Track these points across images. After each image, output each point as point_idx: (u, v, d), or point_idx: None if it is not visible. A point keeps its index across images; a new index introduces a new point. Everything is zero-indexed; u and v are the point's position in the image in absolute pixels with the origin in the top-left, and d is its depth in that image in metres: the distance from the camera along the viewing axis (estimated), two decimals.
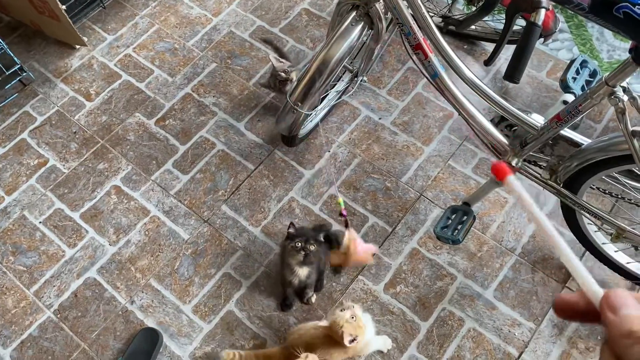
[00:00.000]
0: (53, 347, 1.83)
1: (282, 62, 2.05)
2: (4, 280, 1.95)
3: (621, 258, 1.75)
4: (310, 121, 2.10)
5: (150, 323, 1.85)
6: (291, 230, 1.70)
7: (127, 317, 1.87)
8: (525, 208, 0.77)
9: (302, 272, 1.71)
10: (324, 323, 1.66)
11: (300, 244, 1.66)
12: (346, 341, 1.52)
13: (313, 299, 1.86)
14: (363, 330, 1.56)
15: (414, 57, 1.59)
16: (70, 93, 2.34)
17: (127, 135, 2.23)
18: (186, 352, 1.81)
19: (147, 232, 2.02)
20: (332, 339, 1.58)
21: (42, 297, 1.91)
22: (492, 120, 1.69)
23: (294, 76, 2.03)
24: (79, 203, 2.09)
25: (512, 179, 0.78)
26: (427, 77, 1.61)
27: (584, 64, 1.79)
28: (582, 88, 1.78)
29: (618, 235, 1.56)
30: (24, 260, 1.98)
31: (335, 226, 2.00)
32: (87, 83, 2.36)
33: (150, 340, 1.80)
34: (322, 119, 2.17)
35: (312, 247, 1.66)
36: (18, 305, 1.90)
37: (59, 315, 1.88)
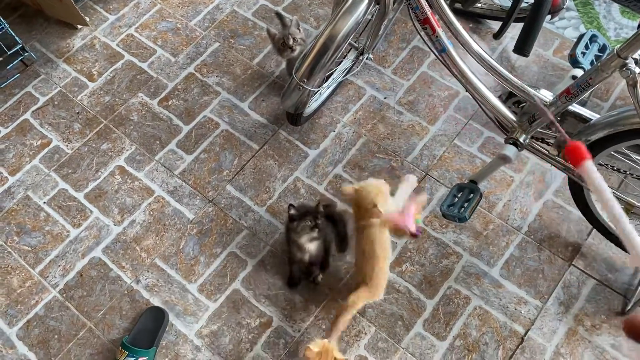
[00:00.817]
0: (59, 326, 1.83)
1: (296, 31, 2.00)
2: (8, 260, 1.94)
3: None
4: (315, 100, 2.08)
5: (156, 302, 1.85)
6: (292, 212, 1.69)
7: (133, 296, 1.87)
8: (601, 197, 0.74)
9: (312, 247, 1.71)
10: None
11: (310, 222, 1.65)
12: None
13: (319, 278, 1.85)
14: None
15: (422, 33, 1.57)
16: (73, 73, 2.32)
17: (130, 116, 2.22)
18: (192, 330, 1.81)
19: (151, 212, 2.01)
20: None
21: (48, 276, 1.91)
22: (499, 97, 1.67)
23: (297, 50, 1.99)
24: (83, 183, 2.08)
25: (590, 164, 0.72)
26: (434, 53, 1.59)
27: (593, 38, 1.76)
28: (591, 63, 1.75)
29: (627, 211, 1.55)
30: (29, 240, 1.98)
31: (338, 205, 1.99)
32: (89, 63, 2.34)
33: (156, 319, 1.80)
34: (326, 99, 2.15)
35: (320, 222, 1.66)
36: (23, 285, 1.90)
37: (64, 295, 1.88)
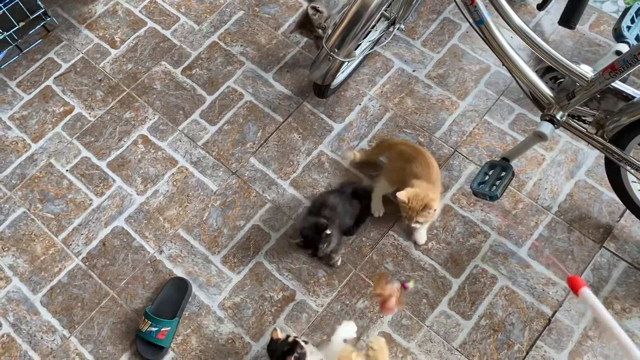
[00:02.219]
0: (82, 294, 1.83)
1: (318, 12, 1.94)
2: (32, 227, 1.94)
3: None
4: (342, 72, 2.03)
5: (179, 273, 1.85)
6: (297, 241, 1.69)
7: (156, 266, 1.86)
8: (601, 320, 0.74)
9: (332, 243, 1.70)
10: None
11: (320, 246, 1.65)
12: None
13: (338, 262, 1.82)
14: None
15: (459, 2, 1.51)
16: (95, 40, 2.28)
17: (153, 84, 2.18)
18: (215, 302, 1.80)
19: (175, 183, 1.99)
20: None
21: (71, 244, 1.91)
22: (536, 72, 1.61)
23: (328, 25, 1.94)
24: (106, 152, 2.06)
25: (587, 290, 0.76)
26: (471, 24, 1.53)
27: (639, 12, 1.69)
28: (637, 38, 1.68)
29: None
30: (52, 207, 1.97)
31: (363, 180, 1.95)
32: (111, 30, 2.30)
33: (179, 289, 1.80)
34: (353, 71, 2.10)
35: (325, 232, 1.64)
36: (47, 252, 1.90)
37: (87, 263, 1.88)
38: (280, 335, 1.53)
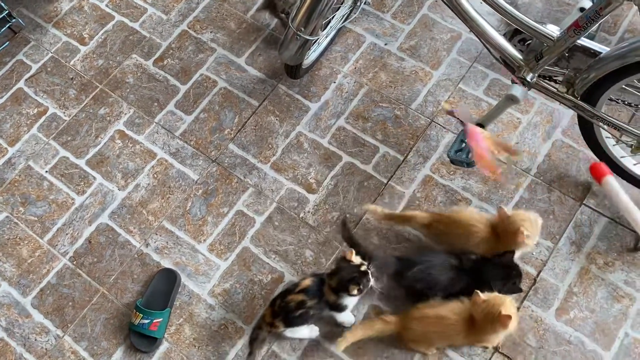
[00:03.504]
0: (72, 293, 1.84)
1: None
2: (16, 231, 1.94)
3: None
4: (314, 51, 2.02)
5: (166, 264, 1.85)
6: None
7: (143, 259, 1.87)
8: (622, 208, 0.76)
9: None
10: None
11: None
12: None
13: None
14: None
15: None
16: (63, 38, 2.26)
17: (125, 78, 2.16)
18: (205, 290, 1.81)
19: (155, 175, 1.99)
20: None
21: (57, 245, 1.91)
22: (504, 35, 1.61)
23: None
24: (84, 150, 2.05)
25: (612, 180, 0.79)
26: None
27: None
28: None
29: (638, 144, 1.52)
30: (34, 210, 1.96)
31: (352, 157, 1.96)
32: (79, 26, 2.27)
33: (168, 280, 1.81)
34: (325, 49, 2.09)
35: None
36: (33, 255, 1.90)
37: (75, 262, 1.88)
38: (354, 259, 1.53)
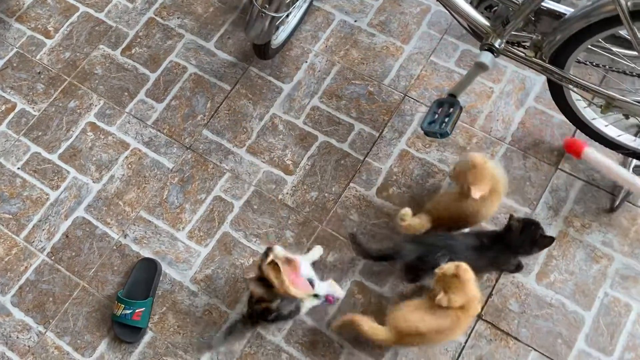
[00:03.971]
0: (52, 289, 1.82)
1: None
2: None
3: (612, 132, 1.72)
4: (283, 30, 2.00)
5: (146, 254, 1.84)
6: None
7: (122, 250, 1.85)
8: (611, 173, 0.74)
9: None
10: None
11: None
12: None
13: None
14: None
15: None
16: (28, 32, 2.21)
17: (94, 70, 2.13)
18: (187, 277, 1.80)
19: (130, 165, 1.97)
20: None
21: (33, 241, 1.88)
22: (470, 3, 1.60)
23: None
24: (56, 144, 2.01)
25: (590, 150, 0.77)
26: None
27: None
28: None
29: (608, 105, 1.52)
30: (8, 208, 1.93)
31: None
32: (43, 20, 2.23)
33: (148, 270, 1.79)
34: (294, 29, 2.07)
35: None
36: (10, 253, 1.87)
37: (53, 258, 1.86)
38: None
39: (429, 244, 1.59)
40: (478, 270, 1.51)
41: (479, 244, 1.59)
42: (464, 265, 1.45)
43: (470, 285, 1.44)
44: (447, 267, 1.45)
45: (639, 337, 1.64)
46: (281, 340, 1.70)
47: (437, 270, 1.46)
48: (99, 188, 1.94)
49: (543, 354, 1.64)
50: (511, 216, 1.56)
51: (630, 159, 1.79)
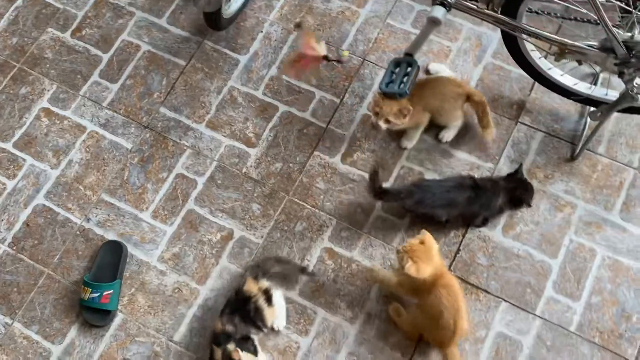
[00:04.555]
0: (16, 279, 1.77)
1: None
2: None
3: (567, 81, 1.73)
4: (235, 1, 1.96)
5: (111, 236, 1.80)
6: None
7: (86, 235, 1.81)
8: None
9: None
10: None
11: None
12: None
13: None
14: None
15: None
16: None
17: (43, 54, 2.06)
18: (154, 257, 1.78)
19: (87, 149, 1.92)
20: None
21: None
22: None
23: None
24: (9, 132, 1.95)
25: None
26: None
27: None
28: None
29: (562, 53, 1.53)
30: None
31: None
32: None
33: (114, 252, 1.76)
34: None
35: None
36: None
37: (14, 247, 1.81)
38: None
39: (423, 186, 1.68)
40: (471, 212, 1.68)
41: (473, 184, 1.66)
42: (428, 234, 1.47)
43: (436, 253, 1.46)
44: (412, 240, 1.46)
45: (604, 280, 1.67)
46: None
47: (401, 246, 1.46)
48: (58, 174, 1.89)
49: (513, 304, 1.66)
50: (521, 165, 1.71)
51: (587, 106, 1.81)
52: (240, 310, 1.57)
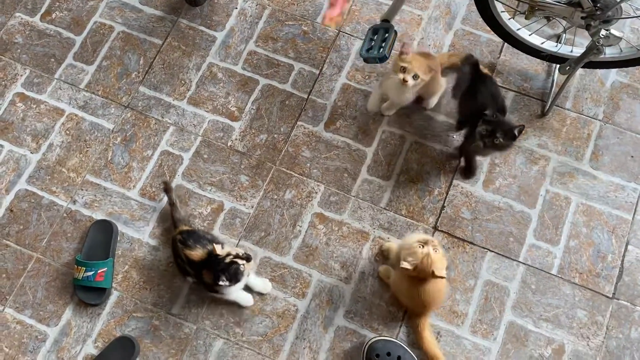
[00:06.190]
0: (4, 265, 1.74)
1: None
2: None
3: (535, 40, 1.83)
4: None
5: (99, 217, 1.79)
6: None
7: (74, 217, 1.79)
8: None
9: None
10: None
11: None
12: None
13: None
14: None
15: None
16: None
17: (14, 39, 2.02)
18: (145, 233, 1.78)
19: (68, 132, 1.90)
20: None
21: None
22: None
23: None
24: None
25: None
26: None
27: None
28: None
29: (531, 9, 1.61)
30: None
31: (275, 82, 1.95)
32: None
33: (104, 231, 1.75)
34: None
35: None
36: None
37: None
38: (221, 251, 1.52)
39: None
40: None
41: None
42: (436, 241, 1.50)
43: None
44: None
45: (580, 225, 1.78)
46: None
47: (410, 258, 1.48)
48: (39, 158, 1.86)
49: (498, 253, 1.75)
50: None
51: (553, 64, 1.92)
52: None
